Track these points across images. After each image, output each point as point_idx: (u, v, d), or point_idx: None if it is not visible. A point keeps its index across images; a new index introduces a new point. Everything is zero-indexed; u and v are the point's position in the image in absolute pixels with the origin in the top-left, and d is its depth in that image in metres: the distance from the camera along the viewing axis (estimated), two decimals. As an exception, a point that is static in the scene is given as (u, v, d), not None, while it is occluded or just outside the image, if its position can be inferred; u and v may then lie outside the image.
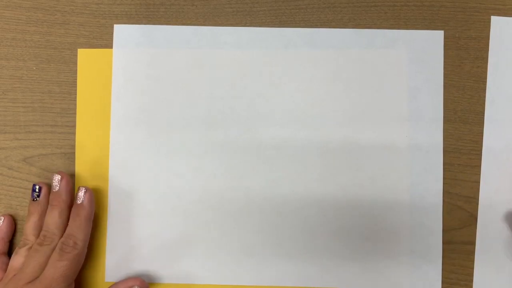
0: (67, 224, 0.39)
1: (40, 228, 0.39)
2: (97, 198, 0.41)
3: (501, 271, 0.41)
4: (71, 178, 0.41)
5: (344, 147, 0.41)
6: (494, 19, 0.42)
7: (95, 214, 0.41)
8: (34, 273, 0.37)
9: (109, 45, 0.42)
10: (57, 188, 0.39)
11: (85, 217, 0.39)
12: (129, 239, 0.41)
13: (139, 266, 0.41)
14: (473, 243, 0.41)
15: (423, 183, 0.41)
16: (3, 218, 0.41)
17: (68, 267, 0.37)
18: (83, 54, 0.42)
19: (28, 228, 0.39)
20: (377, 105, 0.41)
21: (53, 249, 0.38)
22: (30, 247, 0.39)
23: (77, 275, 0.38)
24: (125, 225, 0.41)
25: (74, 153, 0.42)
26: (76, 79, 0.42)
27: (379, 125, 0.41)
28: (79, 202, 0.39)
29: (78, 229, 0.38)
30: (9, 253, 0.41)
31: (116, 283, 0.40)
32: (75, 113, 0.42)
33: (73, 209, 0.39)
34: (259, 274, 0.41)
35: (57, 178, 0.40)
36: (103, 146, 0.41)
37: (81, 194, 0.39)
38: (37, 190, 0.40)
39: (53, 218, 0.39)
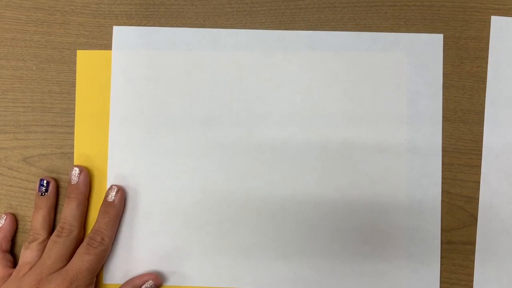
0: (84, 216, 0.40)
1: (49, 222, 0.40)
2: (96, 199, 0.41)
3: (501, 271, 0.41)
4: (89, 171, 0.41)
5: (343, 149, 0.41)
6: (494, 19, 0.42)
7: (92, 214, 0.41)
8: (56, 264, 0.37)
9: (109, 45, 0.42)
10: (75, 181, 0.40)
11: (115, 215, 0.40)
12: (127, 240, 0.41)
13: (137, 268, 0.41)
14: (473, 243, 0.41)
15: (422, 186, 0.41)
16: (5, 216, 0.41)
17: (94, 262, 0.38)
18: (82, 56, 0.42)
19: (37, 223, 0.39)
20: (376, 108, 0.41)
21: (72, 240, 0.39)
22: (42, 241, 0.39)
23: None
24: (123, 226, 0.41)
25: (73, 153, 0.42)
26: (76, 79, 0.42)
27: (378, 128, 0.41)
28: (110, 200, 0.40)
29: (106, 226, 0.39)
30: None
31: (132, 278, 0.40)
32: (75, 113, 0.42)
33: (102, 206, 0.40)
34: (256, 276, 0.41)
35: (76, 171, 0.40)
36: (102, 147, 0.41)
37: (113, 192, 0.40)
38: (44, 184, 0.40)
39: (71, 210, 0.39)
